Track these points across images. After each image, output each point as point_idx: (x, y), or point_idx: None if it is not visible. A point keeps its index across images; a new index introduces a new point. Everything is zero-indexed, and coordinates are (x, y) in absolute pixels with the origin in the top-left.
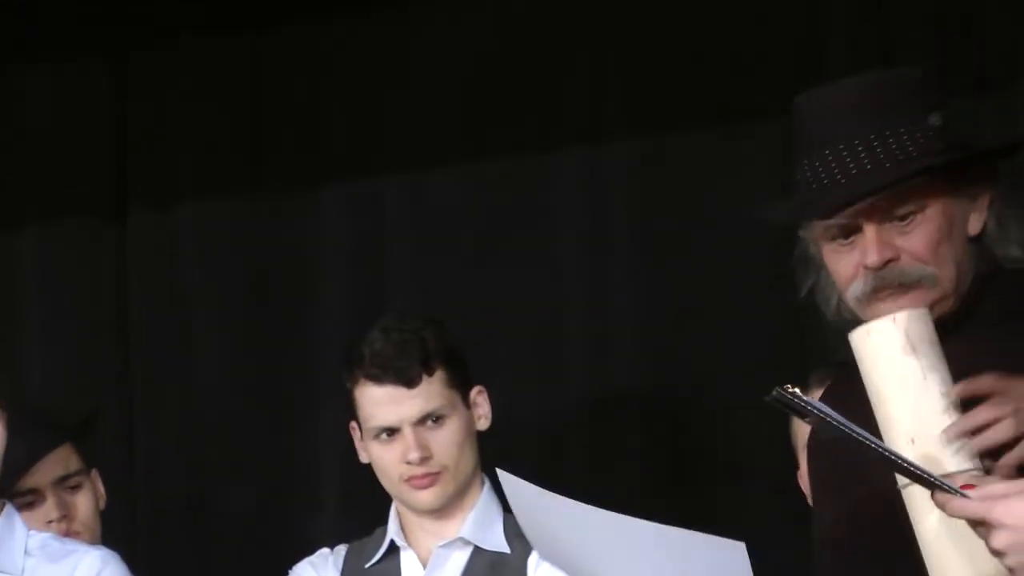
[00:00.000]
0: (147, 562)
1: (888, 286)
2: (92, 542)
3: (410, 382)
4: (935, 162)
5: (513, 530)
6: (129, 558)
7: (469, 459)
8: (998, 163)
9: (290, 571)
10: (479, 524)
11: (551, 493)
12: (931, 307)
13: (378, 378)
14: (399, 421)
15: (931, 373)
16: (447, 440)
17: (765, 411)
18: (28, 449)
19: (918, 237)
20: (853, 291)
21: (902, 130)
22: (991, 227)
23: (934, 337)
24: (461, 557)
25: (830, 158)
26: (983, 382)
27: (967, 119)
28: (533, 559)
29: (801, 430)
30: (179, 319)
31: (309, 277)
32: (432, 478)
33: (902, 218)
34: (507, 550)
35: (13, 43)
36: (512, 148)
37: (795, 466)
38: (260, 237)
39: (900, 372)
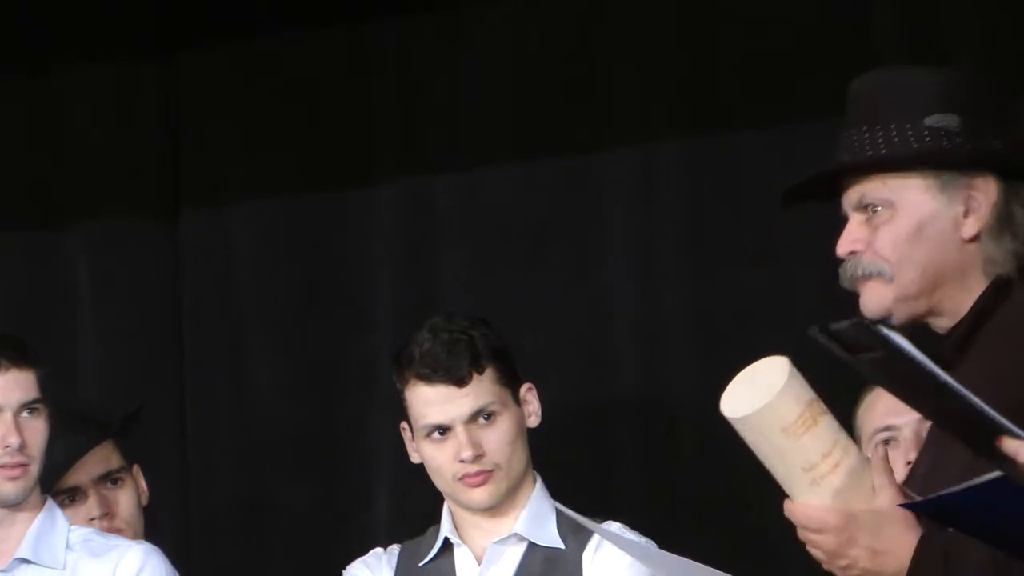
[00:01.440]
0: (200, 561)
1: (853, 275)
2: (134, 538)
3: (460, 381)
4: (885, 157)
5: (566, 526)
6: (182, 557)
7: (521, 456)
8: (1005, 168)
9: (344, 571)
10: (532, 520)
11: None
12: (896, 306)
13: (428, 377)
14: (451, 419)
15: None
16: (499, 438)
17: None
18: (69, 447)
19: (882, 233)
20: (841, 272)
21: (892, 126)
22: (985, 232)
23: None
24: (516, 553)
25: (843, 140)
26: None
27: (992, 125)
28: (588, 554)
29: (868, 415)
30: (232, 318)
31: (361, 276)
32: (485, 476)
33: (873, 210)
34: (561, 545)
35: (64, 44)
36: (563, 148)
37: None
38: (312, 237)
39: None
